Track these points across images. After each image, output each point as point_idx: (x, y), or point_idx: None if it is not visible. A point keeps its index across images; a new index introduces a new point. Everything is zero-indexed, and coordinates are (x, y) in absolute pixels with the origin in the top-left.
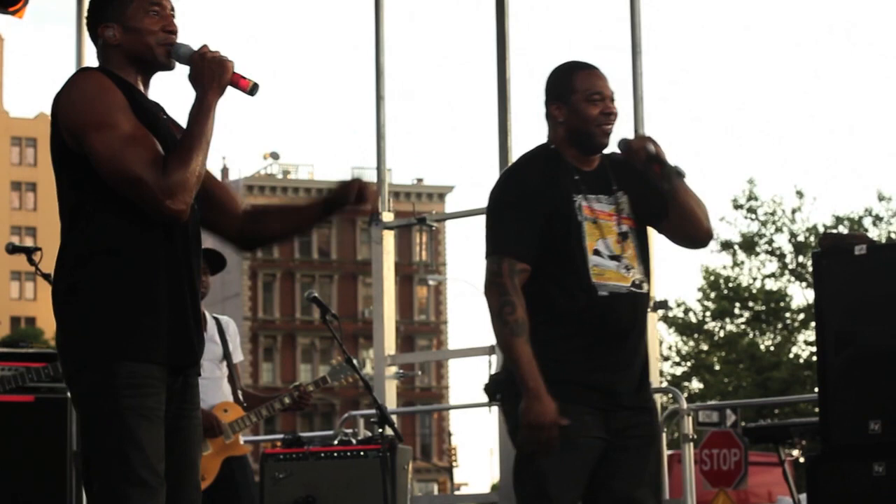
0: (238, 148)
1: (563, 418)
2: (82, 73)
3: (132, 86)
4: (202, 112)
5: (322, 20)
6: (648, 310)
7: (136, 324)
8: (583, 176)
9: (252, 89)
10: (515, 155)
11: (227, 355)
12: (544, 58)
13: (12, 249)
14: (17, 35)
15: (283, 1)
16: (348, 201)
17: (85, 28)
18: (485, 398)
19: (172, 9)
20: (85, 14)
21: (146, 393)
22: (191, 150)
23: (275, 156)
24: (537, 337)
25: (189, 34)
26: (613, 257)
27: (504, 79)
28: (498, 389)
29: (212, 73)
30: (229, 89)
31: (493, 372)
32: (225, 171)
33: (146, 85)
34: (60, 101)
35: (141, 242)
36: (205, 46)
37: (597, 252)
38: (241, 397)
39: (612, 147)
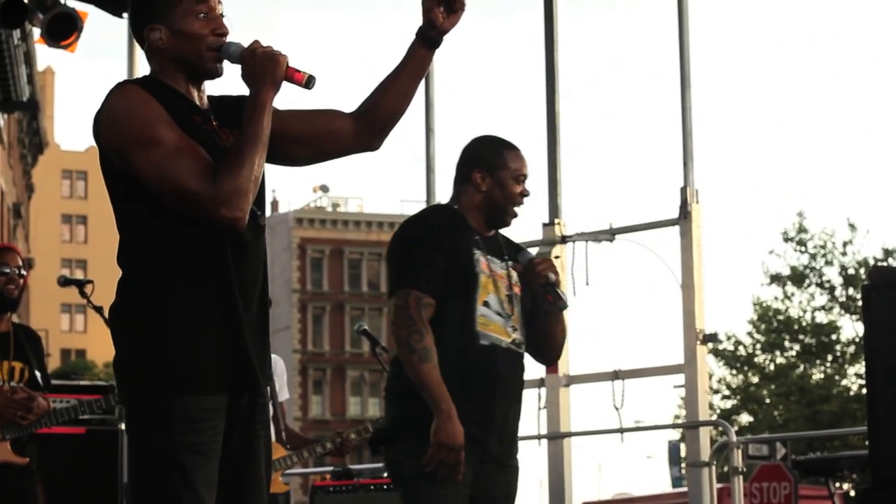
0: (288, 180)
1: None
2: (117, 89)
3: (178, 93)
4: (256, 111)
5: (370, 52)
6: (523, 373)
7: (186, 352)
8: (482, 238)
9: (308, 82)
10: (564, 181)
11: (272, 393)
12: (591, 89)
13: (64, 282)
14: (69, 68)
15: (334, 33)
16: (426, 3)
17: (137, 62)
18: (536, 423)
19: (222, 12)
20: (130, 23)
21: (200, 428)
22: (243, 154)
23: (324, 188)
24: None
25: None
26: (500, 314)
27: (553, 112)
28: (382, 438)
29: (263, 70)
30: (285, 85)
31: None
32: (275, 203)
33: (198, 90)
34: (100, 121)
35: (189, 263)
36: (256, 42)
37: (486, 304)
38: (283, 437)
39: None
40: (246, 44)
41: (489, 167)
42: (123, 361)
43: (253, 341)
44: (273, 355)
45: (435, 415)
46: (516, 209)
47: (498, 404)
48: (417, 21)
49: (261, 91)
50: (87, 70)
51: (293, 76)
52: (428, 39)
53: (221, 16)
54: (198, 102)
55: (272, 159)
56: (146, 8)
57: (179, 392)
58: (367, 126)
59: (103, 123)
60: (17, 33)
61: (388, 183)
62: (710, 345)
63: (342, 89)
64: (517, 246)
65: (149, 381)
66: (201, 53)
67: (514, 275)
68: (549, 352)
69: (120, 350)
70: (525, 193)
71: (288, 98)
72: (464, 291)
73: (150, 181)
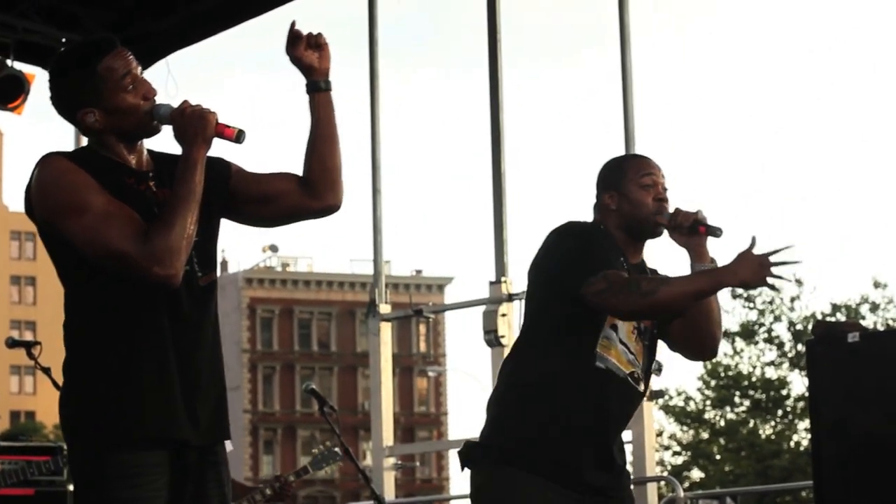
0: (237, 241)
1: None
2: (42, 161)
3: (107, 159)
4: (188, 170)
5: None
6: (638, 408)
7: (120, 409)
8: (627, 262)
9: (238, 136)
10: (512, 246)
11: None
12: (539, 147)
13: (12, 343)
14: (16, 130)
15: (279, 97)
16: (292, 55)
17: None
18: None
19: (142, 71)
20: (52, 93)
21: (138, 483)
22: (174, 212)
23: (274, 248)
24: (533, 394)
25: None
26: (624, 343)
27: (499, 169)
28: (471, 455)
29: (194, 129)
30: (217, 141)
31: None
32: (224, 263)
33: (136, 152)
34: (30, 195)
35: (123, 322)
36: (185, 102)
37: (614, 328)
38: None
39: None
40: (176, 104)
41: (615, 184)
42: (64, 419)
43: (191, 398)
44: None
45: (721, 278)
46: (664, 213)
47: (604, 431)
48: (361, 81)
49: (192, 150)
50: (35, 132)
51: (223, 132)
52: (315, 85)
53: (143, 77)
54: (134, 165)
55: (239, 219)
56: (75, 95)
57: (115, 448)
58: (309, 184)
59: (33, 197)
60: None
61: (337, 243)
62: (659, 401)
63: (286, 150)
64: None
65: (85, 438)
66: (139, 122)
67: None
68: (706, 339)
69: (61, 408)
70: (660, 198)
71: (253, 160)
72: (593, 313)
73: (83, 247)
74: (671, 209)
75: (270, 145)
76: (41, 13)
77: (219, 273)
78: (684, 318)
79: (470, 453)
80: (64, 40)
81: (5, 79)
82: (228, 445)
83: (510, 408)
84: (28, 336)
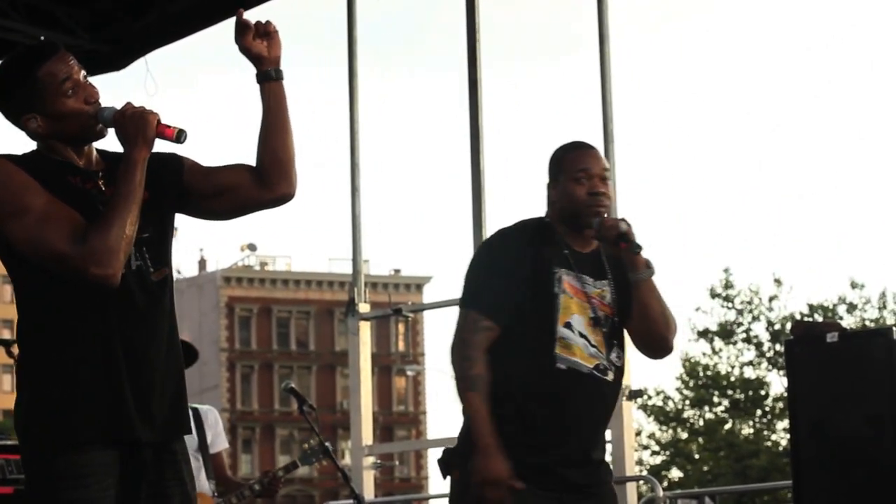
0: (215, 240)
1: (518, 482)
2: None
3: (52, 160)
4: (128, 170)
5: (298, 112)
6: (615, 400)
7: (64, 409)
8: (573, 253)
9: (178, 136)
10: None
11: (202, 446)
12: (518, 148)
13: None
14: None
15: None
16: (241, 45)
17: None
18: None
19: (85, 76)
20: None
21: (84, 483)
22: (113, 213)
23: (252, 247)
24: (499, 399)
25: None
26: (584, 336)
27: (478, 169)
28: (452, 460)
29: (135, 129)
30: (159, 142)
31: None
32: (203, 262)
33: (84, 152)
34: None
35: (67, 322)
36: (127, 104)
37: (568, 325)
38: (213, 487)
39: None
40: (119, 106)
41: (554, 175)
42: (15, 420)
43: (142, 396)
44: (205, 406)
45: (475, 450)
46: (596, 209)
47: (575, 431)
48: (340, 80)
49: (132, 150)
50: (15, 132)
51: (164, 132)
52: (265, 75)
53: (86, 81)
54: (81, 164)
55: (194, 214)
56: (16, 100)
57: (61, 449)
58: (261, 173)
59: None
60: None
61: (316, 241)
62: (638, 400)
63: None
64: (618, 258)
65: (34, 440)
66: (83, 125)
67: (609, 295)
68: (653, 334)
69: (14, 409)
70: (594, 191)
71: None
72: (542, 312)
73: (23, 248)
74: (606, 214)
75: (248, 144)
76: (18, 10)
77: (197, 272)
78: (637, 317)
79: (449, 460)
80: (42, 38)
81: None
82: (222, 443)
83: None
84: (6, 335)
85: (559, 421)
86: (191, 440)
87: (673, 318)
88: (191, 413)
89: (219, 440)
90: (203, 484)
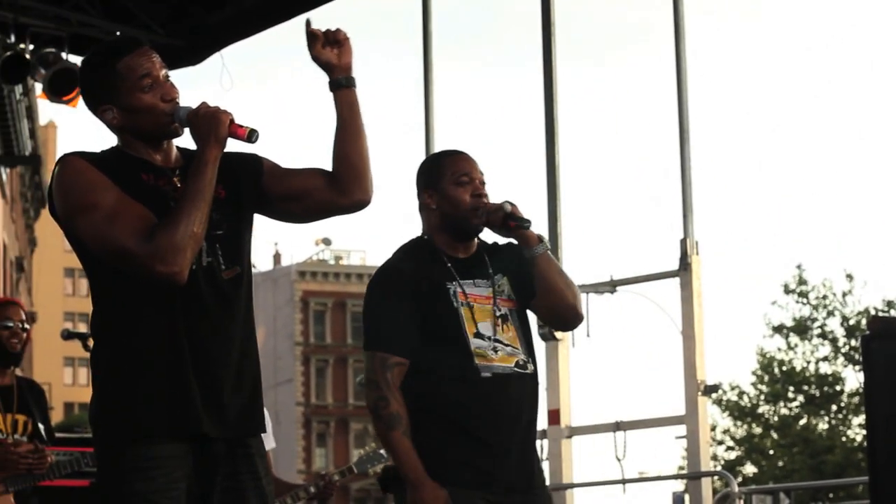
0: (290, 234)
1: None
2: (59, 163)
3: (128, 156)
4: (199, 169)
5: (373, 106)
6: (537, 391)
7: (131, 402)
8: (455, 263)
9: (250, 136)
10: (565, 233)
11: None
12: (591, 143)
13: (67, 335)
14: (71, 123)
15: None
16: (312, 54)
17: None
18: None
19: (166, 74)
20: (81, 92)
21: (151, 476)
22: (181, 211)
23: (327, 242)
24: (422, 427)
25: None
26: (495, 340)
27: (553, 163)
28: (389, 483)
29: (208, 129)
30: (232, 141)
31: None
32: (277, 256)
33: (161, 149)
34: (51, 196)
35: (137, 318)
36: (203, 104)
37: (478, 335)
38: None
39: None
40: (195, 106)
41: (432, 183)
42: (89, 413)
43: (211, 392)
44: None
45: (407, 485)
46: (478, 213)
47: (513, 436)
48: (415, 73)
49: (205, 149)
50: (90, 124)
51: (236, 132)
52: (336, 83)
53: (167, 79)
54: (158, 161)
55: (271, 215)
56: (93, 91)
57: (126, 441)
58: (336, 179)
59: (53, 197)
60: (19, 88)
61: (391, 235)
62: (712, 395)
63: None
64: (500, 247)
65: (104, 432)
66: (157, 122)
67: (506, 287)
68: (559, 306)
69: (90, 403)
70: (477, 193)
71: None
72: (449, 330)
73: (92, 244)
74: (485, 204)
75: (323, 140)
76: (95, 6)
77: (272, 266)
78: (542, 293)
79: (387, 481)
80: (118, 33)
81: (60, 72)
82: (269, 442)
83: (417, 428)
84: (82, 328)
85: (496, 427)
86: None
87: (575, 287)
88: None
89: (268, 440)
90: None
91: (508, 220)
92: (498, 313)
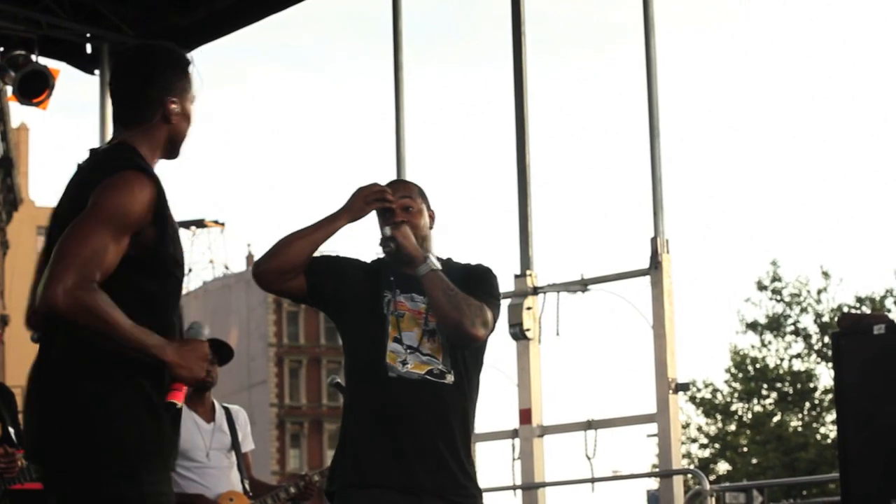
0: (263, 235)
1: None
2: (137, 177)
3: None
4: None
5: (342, 107)
6: (463, 399)
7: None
8: (398, 277)
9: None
10: (537, 239)
11: (235, 445)
12: (561, 141)
13: (38, 339)
14: (43, 125)
15: (302, 90)
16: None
17: (108, 119)
18: (510, 474)
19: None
20: (142, 69)
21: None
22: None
23: None
24: (346, 424)
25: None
26: (415, 349)
27: (524, 164)
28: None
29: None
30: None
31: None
32: (250, 258)
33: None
34: (108, 189)
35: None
36: None
37: (397, 340)
38: (247, 487)
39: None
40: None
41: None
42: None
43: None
44: (234, 406)
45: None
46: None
47: (417, 439)
48: (384, 87)
49: None
50: (62, 126)
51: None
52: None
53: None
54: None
55: None
56: (170, 79)
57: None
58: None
59: (110, 191)
60: None
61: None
62: (685, 393)
63: (306, 147)
64: (451, 267)
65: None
66: (183, 140)
67: None
68: (445, 323)
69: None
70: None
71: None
72: (371, 331)
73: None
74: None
75: (295, 138)
76: (65, 8)
77: (245, 268)
78: (433, 311)
79: (329, 488)
80: (88, 35)
81: (30, 74)
82: (248, 444)
83: (343, 424)
84: None
85: (404, 427)
86: (224, 439)
87: (467, 305)
88: (223, 412)
89: (247, 441)
90: (235, 482)
91: (386, 246)
92: (426, 327)
